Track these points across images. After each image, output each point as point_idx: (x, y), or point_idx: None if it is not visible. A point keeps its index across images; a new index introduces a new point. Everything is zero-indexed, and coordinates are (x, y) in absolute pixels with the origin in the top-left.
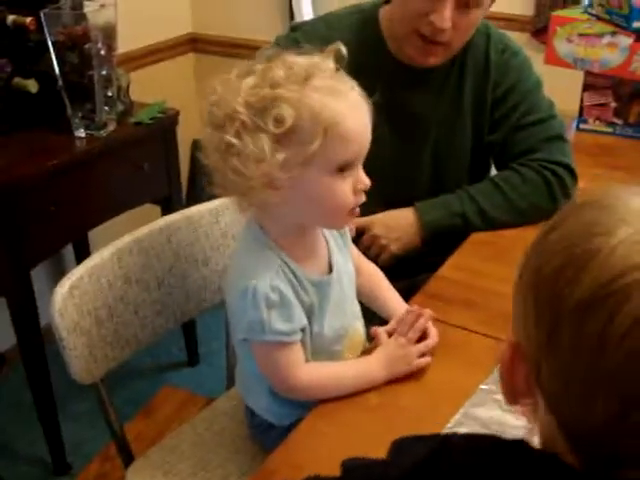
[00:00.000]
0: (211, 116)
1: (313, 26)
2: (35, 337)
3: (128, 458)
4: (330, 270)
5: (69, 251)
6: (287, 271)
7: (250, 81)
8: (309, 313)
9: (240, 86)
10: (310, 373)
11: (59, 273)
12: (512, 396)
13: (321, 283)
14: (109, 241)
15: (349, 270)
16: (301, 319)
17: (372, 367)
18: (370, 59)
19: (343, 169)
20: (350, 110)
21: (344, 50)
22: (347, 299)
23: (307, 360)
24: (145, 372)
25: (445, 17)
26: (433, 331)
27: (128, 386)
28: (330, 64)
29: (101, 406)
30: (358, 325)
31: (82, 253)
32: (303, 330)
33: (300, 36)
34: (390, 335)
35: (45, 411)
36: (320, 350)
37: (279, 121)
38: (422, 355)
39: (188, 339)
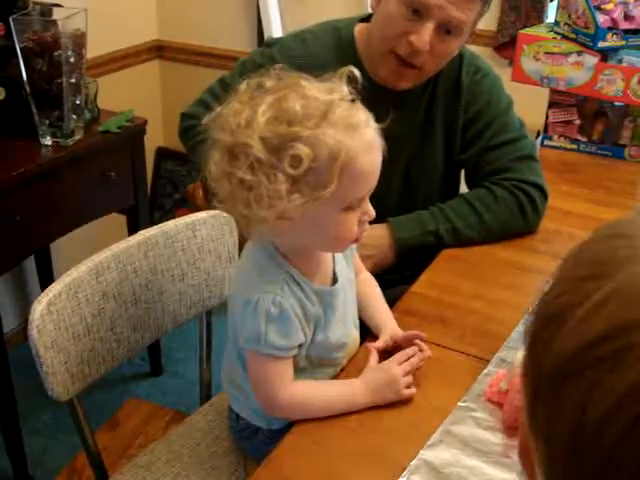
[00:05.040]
0: (221, 141)
1: (289, 44)
2: None
3: (102, 475)
4: (334, 280)
5: (29, 258)
6: (293, 284)
7: (265, 112)
8: (316, 323)
9: (254, 116)
10: (294, 392)
11: (18, 279)
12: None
13: (327, 293)
14: (70, 250)
15: (351, 278)
16: (299, 337)
17: (358, 392)
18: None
19: (353, 205)
20: (365, 149)
21: (358, 73)
22: (349, 307)
23: (299, 368)
24: (107, 382)
25: (424, 39)
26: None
27: (90, 396)
28: (346, 93)
29: (76, 422)
30: (355, 332)
31: (43, 261)
32: (300, 346)
33: (276, 53)
34: (380, 350)
35: (7, 422)
36: (323, 359)
37: (296, 162)
38: (408, 386)
39: (152, 349)
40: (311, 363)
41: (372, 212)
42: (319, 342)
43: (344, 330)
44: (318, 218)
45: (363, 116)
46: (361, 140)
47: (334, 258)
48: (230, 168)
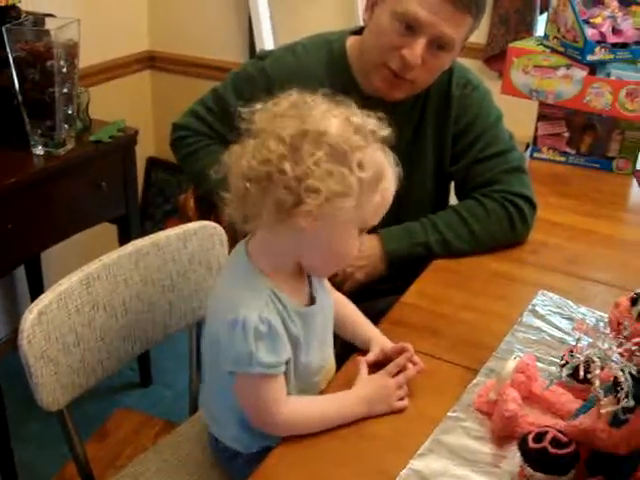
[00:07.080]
0: (282, 129)
1: (281, 56)
2: None
3: None
4: (312, 301)
5: (19, 267)
6: (276, 301)
7: (337, 116)
8: (295, 344)
9: (328, 119)
10: (292, 409)
11: (8, 288)
12: None
13: (306, 314)
14: (61, 259)
15: (329, 302)
16: (287, 351)
17: (354, 404)
18: (340, 93)
19: (365, 229)
20: (392, 180)
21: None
22: (328, 329)
23: (289, 392)
24: (97, 393)
25: (416, 54)
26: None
27: (79, 406)
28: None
29: (65, 432)
30: (331, 352)
31: (33, 270)
32: (287, 362)
33: (268, 65)
34: (371, 363)
35: None
36: (303, 381)
37: (361, 166)
38: (401, 398)
39: (141, 359)
40: (295, 387)
41: (365, 241)
42: (303, 365)
43: (323, 352)
44: (337, 229)
45: (391, 156)
46: (392, 171)
47: (310, 280)
48: (293, 154)
